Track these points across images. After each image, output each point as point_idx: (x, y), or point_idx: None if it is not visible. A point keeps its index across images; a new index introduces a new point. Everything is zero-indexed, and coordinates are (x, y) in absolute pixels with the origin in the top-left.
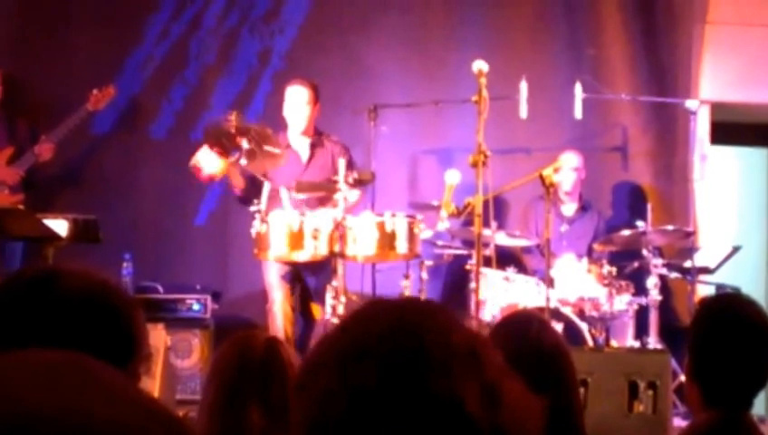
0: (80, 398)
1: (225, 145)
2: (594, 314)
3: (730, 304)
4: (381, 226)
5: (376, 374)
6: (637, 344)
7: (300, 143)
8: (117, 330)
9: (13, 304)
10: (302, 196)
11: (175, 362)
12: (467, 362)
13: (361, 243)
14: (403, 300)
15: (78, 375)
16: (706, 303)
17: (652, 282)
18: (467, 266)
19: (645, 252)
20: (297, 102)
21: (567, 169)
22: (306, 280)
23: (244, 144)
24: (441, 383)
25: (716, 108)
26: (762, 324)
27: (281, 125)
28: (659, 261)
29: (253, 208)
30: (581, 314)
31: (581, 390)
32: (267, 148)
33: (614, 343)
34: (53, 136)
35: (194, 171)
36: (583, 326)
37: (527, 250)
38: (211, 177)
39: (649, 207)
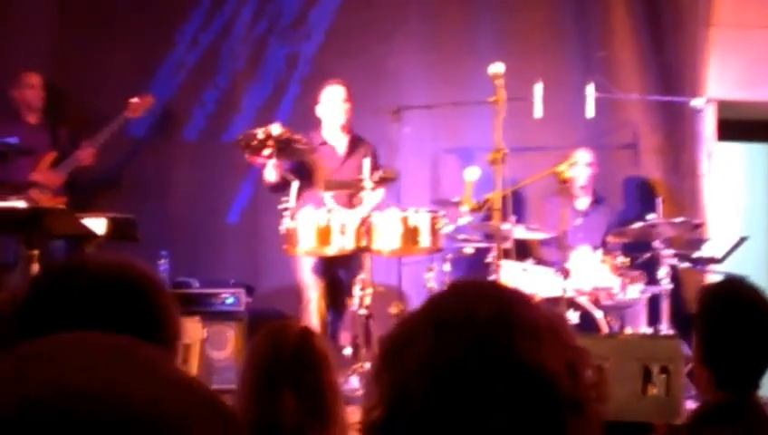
0: (123, 376)
1: (255, 148)
2: (609, 302)
3: (734, 289)
4: (405, 221)
5: (466, 342)
6: (650, 331)
7: (338, 140)
8: (141, 307)
9: (43, 294)
10: (330, 194)
11: (211, 353)
12: (551, 336)
13: (387, 237)
14: (486, 280)
15: (122, 356)
16: (712, 289)
17: (663, 271)
18: (488, 259)
19: (656, 243)
20: (336, 100)
21: (581, 165)
22: (337, 272)
23: (273, 143)
24: (530, 350)
25: (722, 106)
26: (765, 307)
27: (310, 125)
28: (670, 252)
29: (282, 206)
30: (597, 303)
31: None
32: (296, 145)
33: (628, 330)
34: (94, 141)
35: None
36: (598, 314)
37: (544, 243)
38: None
39: (659, 200)
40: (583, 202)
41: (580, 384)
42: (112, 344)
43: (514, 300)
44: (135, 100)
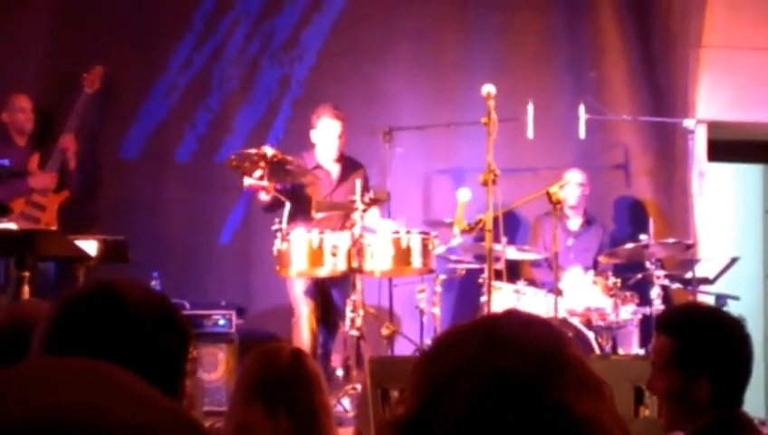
0: (105, 400)
1: (247, 168)
2: (601, 323)
3: (709, 313)
4: (397, 242)
5: (516, 357)
6: (642, 352)
7: (331, 165)
8: (175, 336)
9: (83, 321)
10: (321, 215)
11: (202, 375)
12: (596, 390)
13: (378, 258)
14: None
15: (104, 380)
16: (692, 314)
17: (655, 292)
18: (479, 280)
19: (648, 264)
20: (332, 134)
21: (572, 186)
22: (329, 293)
23: (265, 164)
24: (577, 400)
25: (713, 127)
26: (739, 327)
27: (303, 147)
28: (662, 272)
29: (274, 227)
30: (589, 324)
31: None
32: (288, 167)
33: (620, 351)
34: (68, 128)
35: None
36: (590, 335)
37: (536, 264)
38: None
39: (651, 221)
40: (575, 223)
41: None
42: (95, 369)
43: (568, 341)
44: (86, 75)
